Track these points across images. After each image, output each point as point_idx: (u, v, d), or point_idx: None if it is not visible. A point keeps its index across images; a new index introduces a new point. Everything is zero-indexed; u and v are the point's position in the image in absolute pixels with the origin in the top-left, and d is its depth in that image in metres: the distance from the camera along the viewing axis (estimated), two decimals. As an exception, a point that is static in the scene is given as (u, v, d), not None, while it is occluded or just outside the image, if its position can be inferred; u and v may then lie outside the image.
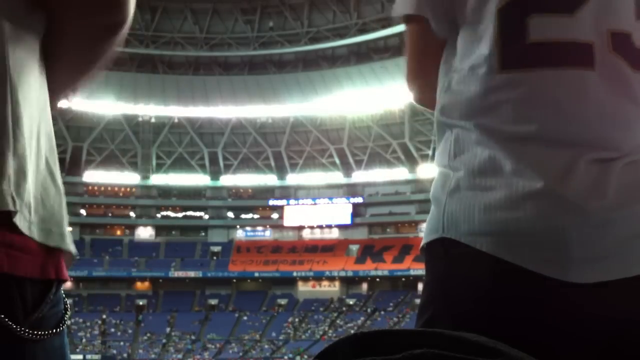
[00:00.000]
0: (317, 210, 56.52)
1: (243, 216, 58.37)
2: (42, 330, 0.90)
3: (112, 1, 0.96)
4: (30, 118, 0.91)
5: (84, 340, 46.45)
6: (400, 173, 55.47)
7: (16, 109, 0.88)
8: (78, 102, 50.30)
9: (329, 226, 56.59)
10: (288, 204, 57.22)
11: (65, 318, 0.96)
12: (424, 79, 1.35)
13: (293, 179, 58.30)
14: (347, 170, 57.38)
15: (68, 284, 0.82)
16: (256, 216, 58.30)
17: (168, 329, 49.65)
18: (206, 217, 57.87)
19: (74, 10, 0.96)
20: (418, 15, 1.27)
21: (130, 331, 49.22)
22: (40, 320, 0.90)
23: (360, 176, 56.84)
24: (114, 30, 1.00)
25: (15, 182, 0.87)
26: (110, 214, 57.31)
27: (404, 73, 1.37)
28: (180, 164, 58.23)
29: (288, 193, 58.43)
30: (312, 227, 57.04)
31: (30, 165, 0.91)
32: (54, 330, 0.92)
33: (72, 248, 0.96)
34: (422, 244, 1.21)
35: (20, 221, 0.87)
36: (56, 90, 1.06)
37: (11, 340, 0.85)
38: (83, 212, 55.09)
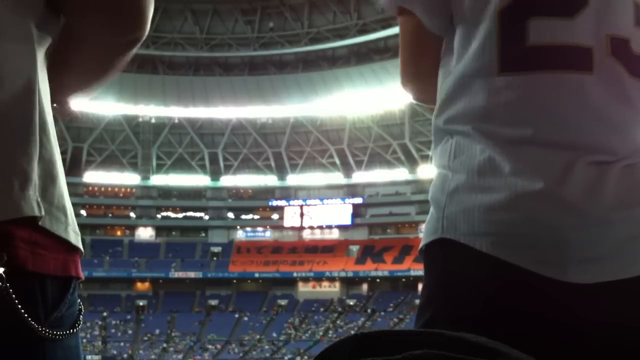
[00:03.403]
0: (317, 210, 56.46)
1: (243, 217, 58.32)
2: (61, 329, 0.93)
3: (137, 23, 1.00)
4: (52, 123, 0.94)
5: (84, 340, 46.38)
6: (400, 174, 55.41)
7: (43, 114, 0.90)
8: (78, 103, 50.24)
9: (329, 227, 56.51)
10: (288, 205, 57.18)
11: (80, 318, 0.99)
12: (421, 79, 1.31)
13: (293, 179, 58.24)
14: (347, 170, 57.32)
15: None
16: (256, 217, 58.25)
17: (168, 330, 49.62)
18: (206, 217, 57.82)
19: (99, 27, 1.00)
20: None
21: (130, 332, 49.20)
22: (59, 319, 0.93)
23: (360, 177, 56.78)
24: (133, 44, 1.05)
25: (41, 187, 0.88)
26: (110, 215, 57.28)
27: (400, 72, 1.31)
28: (181, 165, 58.19)
29: (288, 194, 58.38)
30: (312, 228, 56.96)
31: (59, 170, 0.93)
32: (71, 331, 0.95)
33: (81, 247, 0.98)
34: (421, 245, 1.20)
35: (55, 225, 0.89)
36: (66, 92, 1.09)
37: (33, 340, 0.88)
38: (83, 212, 54.97)
